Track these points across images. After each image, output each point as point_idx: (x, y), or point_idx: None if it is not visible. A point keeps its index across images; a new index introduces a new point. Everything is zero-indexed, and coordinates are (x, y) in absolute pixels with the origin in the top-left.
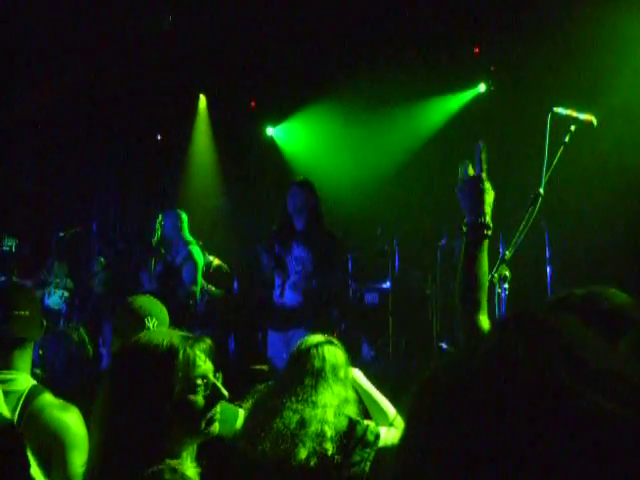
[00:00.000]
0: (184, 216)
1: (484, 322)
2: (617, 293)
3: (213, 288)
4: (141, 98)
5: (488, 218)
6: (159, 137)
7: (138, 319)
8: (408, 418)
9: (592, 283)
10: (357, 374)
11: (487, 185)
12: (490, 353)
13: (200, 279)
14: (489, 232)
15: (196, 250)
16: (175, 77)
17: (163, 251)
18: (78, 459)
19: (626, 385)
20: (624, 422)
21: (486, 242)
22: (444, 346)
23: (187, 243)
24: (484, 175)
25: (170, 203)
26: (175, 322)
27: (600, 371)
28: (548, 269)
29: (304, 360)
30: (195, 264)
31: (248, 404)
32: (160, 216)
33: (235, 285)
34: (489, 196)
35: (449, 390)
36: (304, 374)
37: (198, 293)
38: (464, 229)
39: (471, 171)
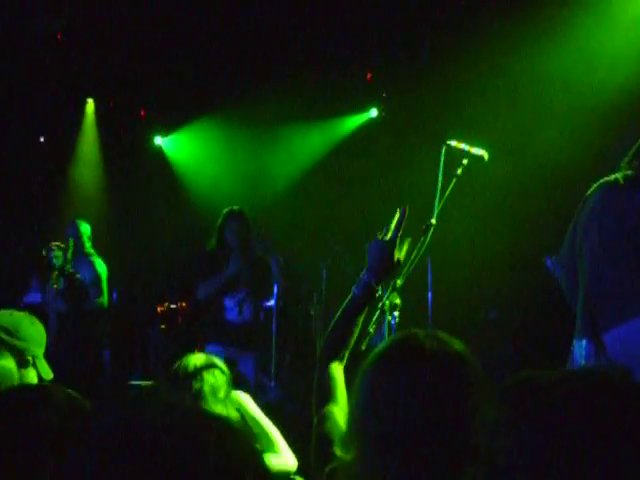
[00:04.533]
0: (84, 227)
1: (335, 370)
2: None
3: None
4: (25, 97)
5: (381, 287)
6: (42, 139)
7: None
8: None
9: (470, 308)
10: (244, 399)
11: (396, 251)
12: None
13: (106, 291)
14: (376, 298)
15: (98, 262)
16: (63, 78)
17: (69, 267)
18: None
19: None
20: None
21: (367, 307)
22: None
23: (88, 255)
24: (397, 240)
25: (51, 207)
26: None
27: None
28: (429, 295)
29: (182, 382)
30: (99, 277)
31: None
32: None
33: (114, 296)
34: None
35: None
36: None
37: (106, 304)
38: (356, 283)
39: (388, 234)
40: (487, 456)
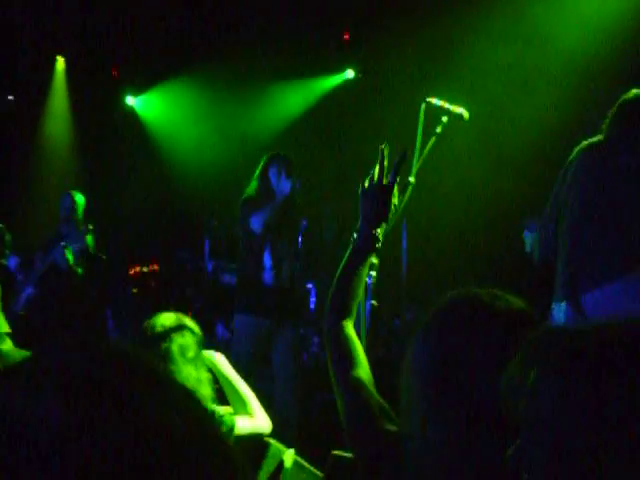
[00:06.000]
0: (79, 198)
1: (350, 329)
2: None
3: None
4: None
5: (380, 231)
6: (11, 98)
7: None
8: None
9: (445, 274)
10: (218, 359)
11: (395, 199)
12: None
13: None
14: (378, 245)
15: (89, 235)
16: (32, 35)
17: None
18: None
19: None
20: None
21: (371, 255)
22: (302, 331)
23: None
24: (395, 186)
25: (21, 168)
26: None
27: None
28: (404, 258)
29: (150, 343)
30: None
31: None
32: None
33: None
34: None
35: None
36: None
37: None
38: (354, 236)
39: (376, 176)
40: (527, 424)
